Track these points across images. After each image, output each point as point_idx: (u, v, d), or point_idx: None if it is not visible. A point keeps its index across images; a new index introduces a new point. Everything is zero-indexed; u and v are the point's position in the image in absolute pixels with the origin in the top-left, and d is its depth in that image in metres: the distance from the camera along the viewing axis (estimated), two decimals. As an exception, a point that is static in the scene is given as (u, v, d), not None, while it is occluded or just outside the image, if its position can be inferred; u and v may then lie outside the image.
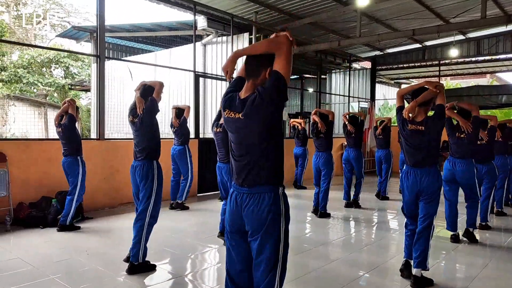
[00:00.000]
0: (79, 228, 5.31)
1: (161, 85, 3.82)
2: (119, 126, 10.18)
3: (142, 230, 3.77)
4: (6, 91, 17.64)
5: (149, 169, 3.73)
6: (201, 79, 9.09)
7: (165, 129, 8.21)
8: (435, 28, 8.43)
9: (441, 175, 3.77)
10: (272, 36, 2.06)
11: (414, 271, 3.60)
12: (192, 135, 8.02)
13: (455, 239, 5.02)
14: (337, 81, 14.80)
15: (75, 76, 22.38)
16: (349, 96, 13.74)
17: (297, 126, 9.04)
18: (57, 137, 5.44)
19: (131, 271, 3.70)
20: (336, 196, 7.70)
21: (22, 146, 5.76)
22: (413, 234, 3.73)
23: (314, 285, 3.60)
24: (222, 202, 4.79)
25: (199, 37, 9.89)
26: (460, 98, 11.12)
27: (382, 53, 13.81)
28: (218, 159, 4.59)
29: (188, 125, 6.82)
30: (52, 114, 11.78)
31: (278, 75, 1.94)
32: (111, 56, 13.47)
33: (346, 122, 7.26)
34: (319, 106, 13.82)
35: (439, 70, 13.90)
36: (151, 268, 3.85)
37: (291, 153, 9.34)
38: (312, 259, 4.35)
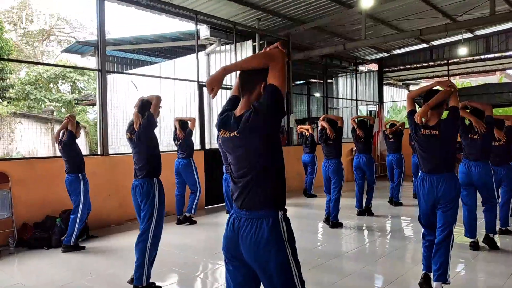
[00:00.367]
0: (84, 248, 5.17)
1: (158, 99, 3.67)
2: (125, 141, 10.07)
3: (145, 252, 3.60)
4: (14, 109, 17.78)
5: (149, 187, 3.58)
6: (205, 89, 8.97)
7: (170, 142, 8.08)
8: (443, 27, 8.20)
9: (458, 180, 3.55)
10: (264, 49, 1.94)
11: (435, 285, 3.39)
12: (197, 147, 7.88)
13: (474, 246, 4.78)
14: (344, 85, 14.59)
15: (81, 90, 22.51)
16: (356, 100, 13.53)
17: (305, 133, 8.85)
18: (59, 154, 5.33)
19: (136, 295, 3.54)
20: (347, 203, 7.49)
21: (25, 165, 5.66)
22: (431, 245, 3.51)
23: (328, 304, 3.40)
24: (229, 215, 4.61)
25: (202, 47, 9.79)
26: (470, 97, 10.77)
27: (388, 54, 13.60)
28: (224, 170, 4.43)
29: (192, 137, 6.69)
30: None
31: (273, 88, 1.80)
32: (116, 70, 13.46)
33: (355, 126, 7.05)
34: (326, 111, 13.64)
35: (448, 70, 13.63)
36: (157, 290, 3.68)
37: (299, 160, 9.16)
38: (326, 274, 4.15)
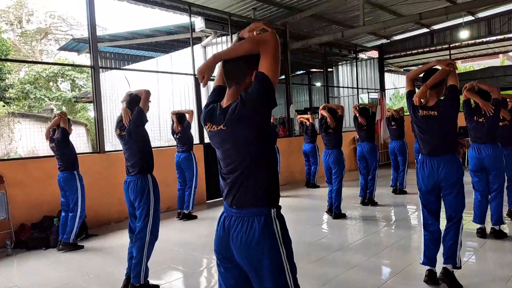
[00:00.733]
0: (82, 247, 5.08)
1: (147, 93, 3.53)
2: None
3: (143, 249, 3.50)
4: (16, 109, 17.73)
5: (143, 184, 3.46)
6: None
7: (170, 136, 7.97)
8: (443, 10, 8.01)
9: (462, 163, 3.38)
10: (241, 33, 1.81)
11: (443, 268, 3.30)
12: (196, 140, 7.76)
13: (481, 233, 4.64)
14: (344, 73, 14.40)
15: (81, 88, 22.41)
16: (357, 88, 13.35)
17: (305, 122, 8.71)
18: (52, 153, 5.22)
19: (133, 294, 3.44)
20: (351, 193, 7.36)
21: (19, 166, 5.56)
22: (434, 238, 3.36)
23: (331, 298, 3.29)
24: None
25: (198, 39, 9.63)
26: (474, 81, 10.64)
27: (389, 41, 13.38)
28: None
29: (191, 130, 6.56)
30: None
31: (262, 77, 1.65)
32: (113, 66, 13.33)
33: (357, 114, 6.90)
34: (327, 100, 13.48)
35: (450, 54, 13.40)
36: (154, 289, 3.58)
37: (300, 151, 9.03)
38: (329, 267, 4.03)
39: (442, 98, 3.31)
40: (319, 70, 16.14)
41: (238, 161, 1.74)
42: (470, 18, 11.42)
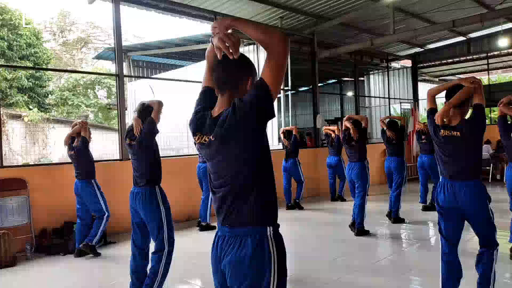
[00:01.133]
0: (99, 254, 5.10)
1: (159, 104, 3.49)
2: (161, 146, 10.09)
3: (161, 261, 3.42)
4: (56, 115, 18.48)
5: (152, 196, 3.39)
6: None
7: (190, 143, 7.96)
8: (477, 17, 7.62)
9: (485, 189, 3.06)
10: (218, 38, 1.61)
11: None
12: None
13: (517, 255, 4.29)
14: (376, 83, 14.02)
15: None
16: (389, 98, 12.96)
17: (330, 134, 8.49)
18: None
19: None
20: (378, 208, 7.07)
21: (43, 172, 5.69)
22: (451, 269, 3.05)
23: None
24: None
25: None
26: (514, 92, 10.07)
27: (422, 49, 12.95)
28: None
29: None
30: (94, 134, 11.97)
31: (261, 84, 1.49)
32: (145, 75, 13.60)
33: (385, 128, 6.63)
34: (357, 109, 13.16)
35: (487, 63, 12.77)
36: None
37: (324, 162, 8.80)
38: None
39: (466, 118, 3.06)
40: (350, 79, 15.84)
41: (229, 176, 1.61)
42: (509, 25, 10.85)
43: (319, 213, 7.55)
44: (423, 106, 16.27)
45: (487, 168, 10.42)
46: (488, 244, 2.99)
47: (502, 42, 10.85)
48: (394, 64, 13.97)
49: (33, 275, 4.53)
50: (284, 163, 7.76)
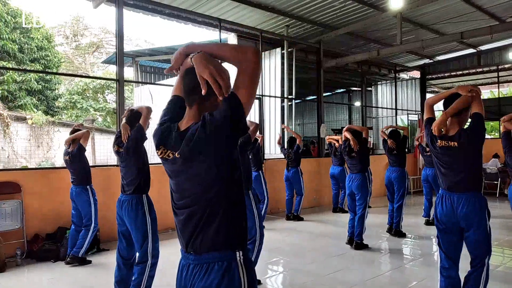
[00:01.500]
0: (90, 262, 5.01)
1: (148, 110, 3.41)
2: (155, 151, 10.04)
3: (144, 273, 3.33)
4: (65, 118, 18.61)
5: (138, 204, 3.31)
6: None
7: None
8: (487, 29, 7.46)
9: (486, 201, 2.94)
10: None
11: None
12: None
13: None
14: (383, 93, 13.87)
15: (125, 100, 23.16)
16: (396, 109, 12.78)
17: (334, 143, 8.34)
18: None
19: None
20: (377, 221, 6.90)
21: (39, 176, 5.64)
22: (449, 285, 2.94)
23: None
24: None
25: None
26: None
27: (431, 61, 12.77)
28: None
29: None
30: (100, 139, 12.00)
31: (234, 99, 1.39)
32: (152, 80, 13.63)
33: (386, 138, 6.51)
34: (364, 120, 13.01)
35: (498, 76, 12.52)
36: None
37: (327, 172, 8.65)
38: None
39: (464, 127, 2.94)
40: (358, 89, 15.70)
41: (193, 197, 1.49)
42: (521, 38, 10.66)
43: (319, 224, 7.39)
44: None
45: (495, 182, 10.16)
46: (477, 263, 2.88)
47: (513, 55, 10.65)
48: (402, 75, 13.80)
49: (23, 281, 4.45)
50: (286, 172, 7.64)
